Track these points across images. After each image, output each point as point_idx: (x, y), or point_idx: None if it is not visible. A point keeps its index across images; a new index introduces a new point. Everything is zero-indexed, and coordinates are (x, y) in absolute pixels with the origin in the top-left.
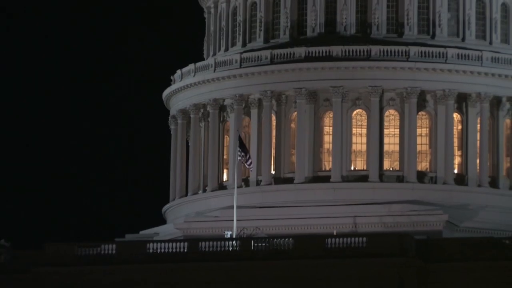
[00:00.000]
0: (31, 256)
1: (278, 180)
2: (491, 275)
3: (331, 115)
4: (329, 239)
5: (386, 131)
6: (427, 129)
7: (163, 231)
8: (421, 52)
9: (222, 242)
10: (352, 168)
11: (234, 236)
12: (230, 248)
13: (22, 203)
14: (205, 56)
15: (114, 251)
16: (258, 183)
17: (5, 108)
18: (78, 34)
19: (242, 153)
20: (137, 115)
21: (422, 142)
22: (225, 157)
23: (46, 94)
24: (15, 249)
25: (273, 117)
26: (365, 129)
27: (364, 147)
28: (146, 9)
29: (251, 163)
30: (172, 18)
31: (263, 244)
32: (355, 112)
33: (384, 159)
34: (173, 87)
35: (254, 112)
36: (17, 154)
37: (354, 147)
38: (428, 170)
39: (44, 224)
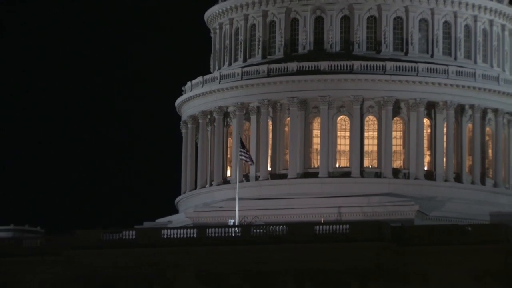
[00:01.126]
0: (63, 240)
1: (274, 175)
2: (455, 257)
3: (319, 120)
4: (317, 226)
5: (366, 134)
6: (401, 132)
7: (176, 219)
8: (396, 66)
9: (226, 229)
10: (337, 166)
11: (236, 224)
12: (233, 234)
13: (55, 195)
14: (211, 70)
15: (133, 237)
16: (256, 178)
17: (42, 102)
18: (104, 51)
19: (248, 154)
20: (154, 121)
21: (397, 143)
22: (228, 156)
23: (84, 96)
24: (49, 235)
25: (270, 122)
26: (348, 132)
27: (347, 148)
28: (162, 29)
29: (252, 161)
30: (184, 37)
31: (261, 231)
32: (339, 118)
33: (365, 158)
34: (184, 96)
35: (253, 118)
36: (53, 151)
37: (338, 147)
38: (402, 167)
39: (75, 213)
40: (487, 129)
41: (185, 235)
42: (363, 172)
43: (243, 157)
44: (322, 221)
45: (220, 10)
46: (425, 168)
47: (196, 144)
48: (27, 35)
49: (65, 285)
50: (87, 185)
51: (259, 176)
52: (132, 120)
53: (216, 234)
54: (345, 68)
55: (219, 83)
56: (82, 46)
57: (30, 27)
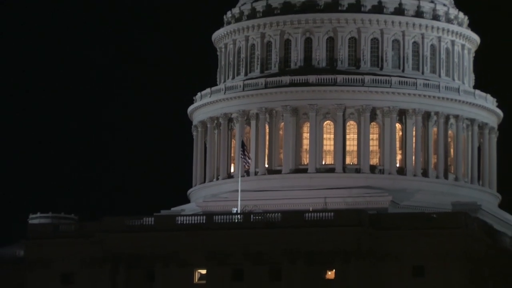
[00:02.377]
0: (93, 225)
1: (270, 171)
2: (423, 240)
3: (308, 125)
4: (307, 214)
5: (347, 136)
6: (377, 135)
7: (188, 208)
8: (373, 79)
9: (230, 216)
10: (323, 163)
11: (238, 212)
12: (236, 220)
13: (88, 187)
14: (218, 82)
15: (152, 222)
16: (256, 173)
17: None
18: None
19: (245, 158)
20: (169, 126)
21: (373, 144)
22: (232, 155)
23: (105, 99)
24: (82, 221)
25: (267, 126)
26: (333, 135)
27: (331, 148)
28: (176, 48)
29: (249, 160)
30: (194, 55)
31: (259, 217)
32: (325, 123)
33: (346, 156)
34: (195, 104)
35: (253, 122)
36: (87, 150)
37: (324, 147)
38: (377, 164)
39: (103, 202)
40: (449, 132)
41: (196, 221)
42: (345, 168)
43: (242, 159)
44: (311, 209)
45: (225, 32)
46: (397, 165)
47: (205, 144)
48: (27, 35)
49: (94, 263)
50: (114, 180)
51: (257, 172)
52: (152, 126)
53: (222, 220)
54: (330, 81)
55: (224, 93)
56: (103, 57)
57: (30, 27)
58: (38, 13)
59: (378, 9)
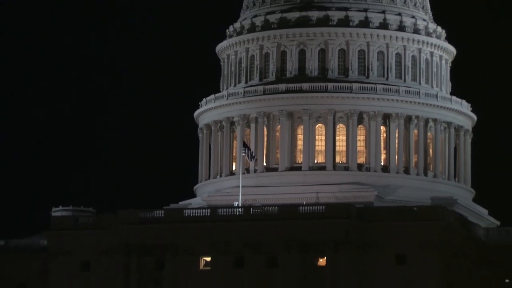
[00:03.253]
0: (109, 218)
1: (268, 169)
2: (404, 231)
3: (302, 127)
4: (301, 207)
5: (337, 138)
6: (364, 136)
7: (194, 202)
8: (360, 87)
9: (232, 209)
10: (315, 161)
11: (239, 205)
12: (237, 213)
13: (104, 184)
14: (221, 89)
15: (162, 215)
16: (255, 171)
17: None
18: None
19: (250, 152)
20: (178, 128)
21: (360, 144)
22: (234, 154)
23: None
24: (99, 213)
25: (265, 129)
26: (324, 136)
27: (323, 148)
28: (183, 59)
29: (255, 157)
30: (200, 65)
31: (258, 210)
32: (317, 126)
33: (336, 156)
34: (200, 109)
35: (252, 125)
36: (107, 149)
37: (317, 148)
38: (364, 162)
39: (118, 197)
40: (429, 134)
41: (201, 214)
42: (335, 166)
43: (245, 155)
44: (304, 203)
45: (228, 45)
46: (382, 163)
47: (209, 145)
48: (27, 35)
49: (110, 252)
50: (128, 176)
51: (257, 169)
52: (163, 129)
53: (225, 213)
54: (322, 88)
55: (227, 99)
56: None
57: (30, 27)
58: (38, 13)
59: (365, 23)
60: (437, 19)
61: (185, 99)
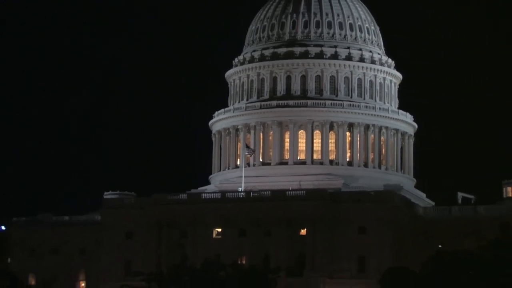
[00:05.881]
0: (146, 200)
1: (264, 163)
2: (365, 210)
3: (288, 133)
4: (288, 192)
5: (314, 140)
6: (334, 139)
7: (209, 188)
8: (331, 103)
9: (237, 193)
10: (298, 158)
11: (242, 190)
12: (241, 196)
13: (144, 173)
14: (229, 105)
15: (185, 197)
16: (254, 165)
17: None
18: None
19: (250, 150)
20: (196, 134)
21: (331, 145)
22: (238, 153)
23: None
24: (138, 197)
25: (261, 134)
26: (305, 139)
27: (304, 148)
28: (201, 83)
29: (253, 152)
30: (213, 87)
31: (256, 194)
32: (300, 131)
33: (314, 154)
34: (213, 120)
35: (252, 132)
36: (147, 143)
37: (299, 148)
38: (334, 158)
39: (153, 183)
40: (382, 138)
41: (214, 197)
42: (313, 161)
43: (247, 153)
44: (290, 189)
45: (233, 72)
46: (347, 159)
47: (220, 145)
48: (27, 35)
49: (146, 225)
50: (159, 169)
51: (255, 164)
52: (187, 135)
53: (231, 196)
54: (303, 104)
55: (233, 112)
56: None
57: (30, 27)
58: (39, 13)
59: (334, 56)
60: (388, 52)
61: (203, 112)
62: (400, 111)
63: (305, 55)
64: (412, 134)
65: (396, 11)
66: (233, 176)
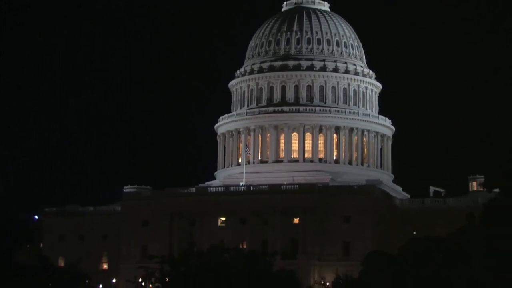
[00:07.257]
0: (159, 193)
1: (262, 161)
2: (349, 201)
3: (283, 135)
4: (283, 186)
5: (306, 142)
6: (323, 141)
7: (214, 182)
8: (320, 109)
9: (239, 187)
10: (292, 157)
11: (243, 185)
12: (242, 189)
13: (160, 169)
14: (232, 110)
15: (194, 190)
16: (253, 162)
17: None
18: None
19: (248, 150)
20: (203, 136)
21: (321, 146)
22: (239, 152)
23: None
24: (154, 190)
25: (260, 136)
26: (297, 141)
27: (297, 148)
28: (207, 91)
29: (249, 151)
30: (218, 95)
31: (256, 188)
32: (293, 134)
33: (305, 153)
34: (219, 123)
35: (252, 134)
36: (163, 141)
37: (293, 148)
38: (323, 157)
39: (166, 178)
40: (364, 139)
41: (219, 190)
42: (304, 159)
43: (247, 153)
44: (285, 183)
45: (236, 82)
46: (334, 158)
47: (224, 146)
48: (27, 35)
49: (160, 215)
50: (174, 166)
51: (254, 162)
52: (196, 136)
53: (234, 190)
54: (296, 110)
55: (235, 117)
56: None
57: (31, 28)
58: (39, 13)
59: (323, 69)
60: (370, 65)
61: (211, 117)
62: (380, 116)
63: (297, 68)
64: (390, 136)
65: (376, 29)
66: (235, 172)
